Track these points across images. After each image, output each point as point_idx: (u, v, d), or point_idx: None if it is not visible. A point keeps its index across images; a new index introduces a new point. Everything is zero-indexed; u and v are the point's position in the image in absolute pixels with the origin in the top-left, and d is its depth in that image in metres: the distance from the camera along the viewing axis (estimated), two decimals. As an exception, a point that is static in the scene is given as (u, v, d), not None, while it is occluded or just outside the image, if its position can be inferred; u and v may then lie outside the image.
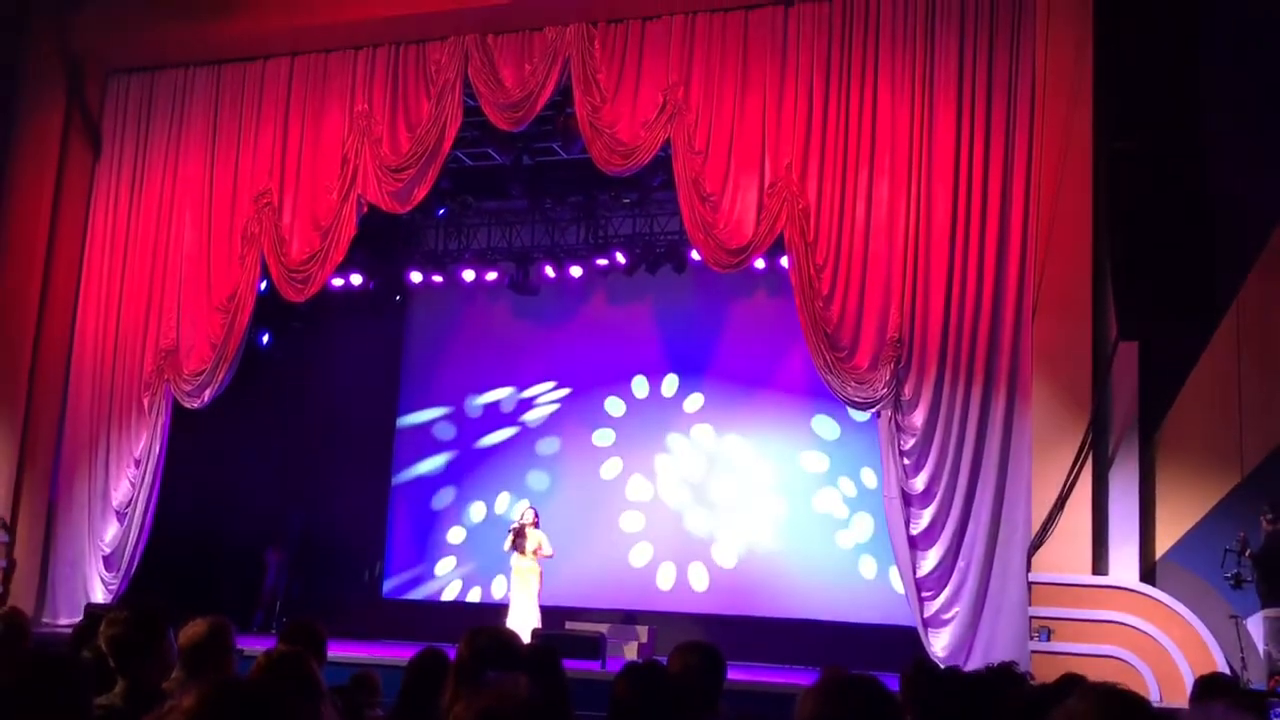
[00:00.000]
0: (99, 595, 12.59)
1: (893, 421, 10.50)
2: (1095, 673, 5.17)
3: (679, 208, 11.52)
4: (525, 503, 13.09)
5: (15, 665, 2.61)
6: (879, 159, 10.74)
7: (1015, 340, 10.30)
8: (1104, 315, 9.98)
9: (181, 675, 3.99)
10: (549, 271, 14.98)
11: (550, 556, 12.35)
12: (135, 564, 12.68)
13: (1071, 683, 4.10)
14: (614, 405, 15.43)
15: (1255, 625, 9.36)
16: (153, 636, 3.88)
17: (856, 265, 10.74)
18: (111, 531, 12.84)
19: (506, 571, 14.13)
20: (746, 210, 11.09)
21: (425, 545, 15.85)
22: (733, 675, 4.43)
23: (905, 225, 10.58)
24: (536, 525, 12.40)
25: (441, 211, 14.73)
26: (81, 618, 9.58)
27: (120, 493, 12.88)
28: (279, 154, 12.64)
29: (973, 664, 9.73)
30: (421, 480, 16.06)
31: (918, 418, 10.45)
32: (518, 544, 12.25)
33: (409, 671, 4.23)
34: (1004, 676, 4.02)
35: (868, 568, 13.98)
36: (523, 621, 12.01)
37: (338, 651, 10.50)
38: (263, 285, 12.79)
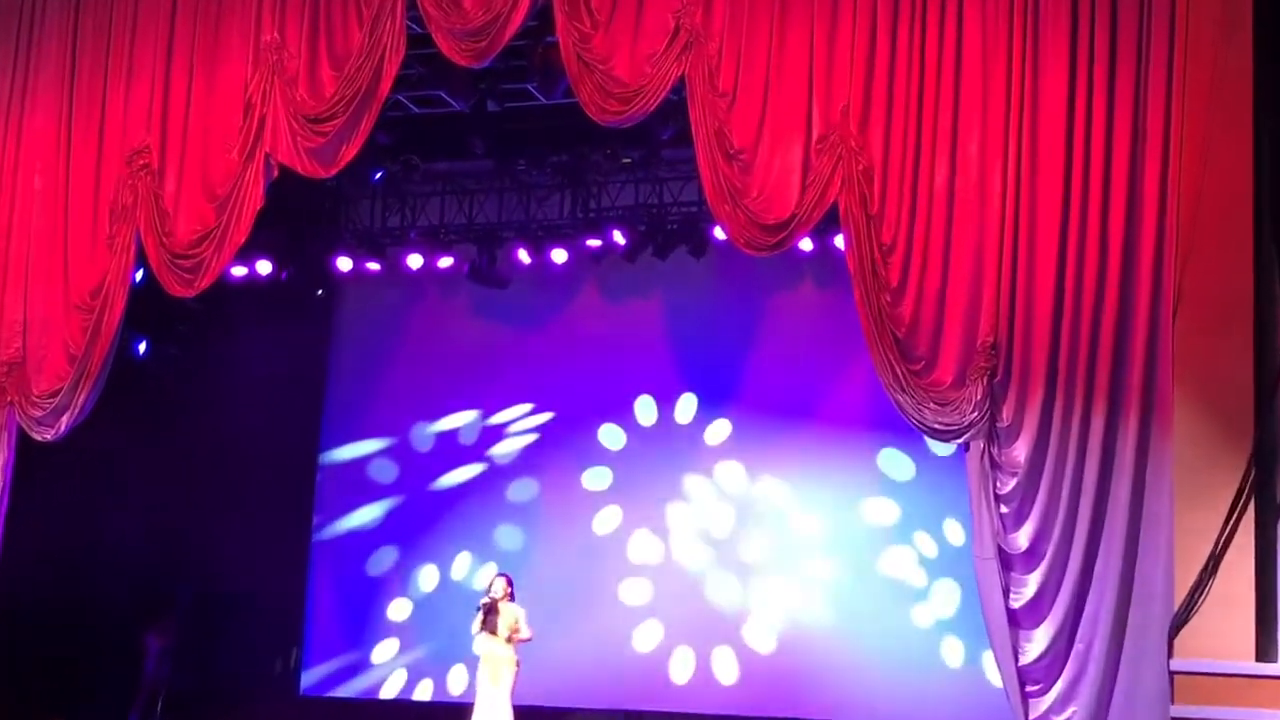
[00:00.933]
0: (-81, 693, 12.59)
1: (986, 456, 10.45)
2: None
3: (697, 170, 11.46)
4: (494, 570, 13.05)
5: None
6: (966, 105, 10.70)
7: (1150, 349, 10.26)
8: (1270, 317, 9.95)
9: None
10: (523, 256, 14.98)
11: (529, 639, 12.28)
12: (-33, 650, 12.66)
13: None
14: (611, 436, 15.41)
15: None
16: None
17: (936, 247, 10.69)
18: (-64, 607, 12.82)
19: (469, 660, 14.12)
20: (788, 172, 11.04)
21: (358, 624, 15.83)
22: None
23: (1001, 194, 10.54)
24: (511, 598, 12.33)
25: (378, 176, 14.73)
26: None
27: (-52, 555, 12.85)
28: (159, 100, 12.61)
29: (1096, 783, 9.70)
30: (353, 536, 16.05)
31: (1020, 451, 10.40)
32: (488, 623, 12.20)
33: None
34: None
35: (953, 653, 13.95)
36: (487, 721, 12.02)
37: (239, 768, 10.53)
38: (139, 275, 12.75)
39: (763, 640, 14.55)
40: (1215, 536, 9.81)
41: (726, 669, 14.61)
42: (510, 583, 12.43)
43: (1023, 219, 10.52)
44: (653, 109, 11.52)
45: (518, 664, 12.21)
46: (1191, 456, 9.98)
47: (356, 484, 16.12)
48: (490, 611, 12.21)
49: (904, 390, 10.65)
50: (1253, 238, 10.06)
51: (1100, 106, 10.46)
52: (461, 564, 15.53)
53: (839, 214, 10.94)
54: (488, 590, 12.41)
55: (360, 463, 16.18)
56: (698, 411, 15.15)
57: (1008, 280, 10.49)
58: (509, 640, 12.21)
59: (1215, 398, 10.03)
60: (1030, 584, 10.35)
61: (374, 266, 15.32)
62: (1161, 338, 10.21)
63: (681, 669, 14.71)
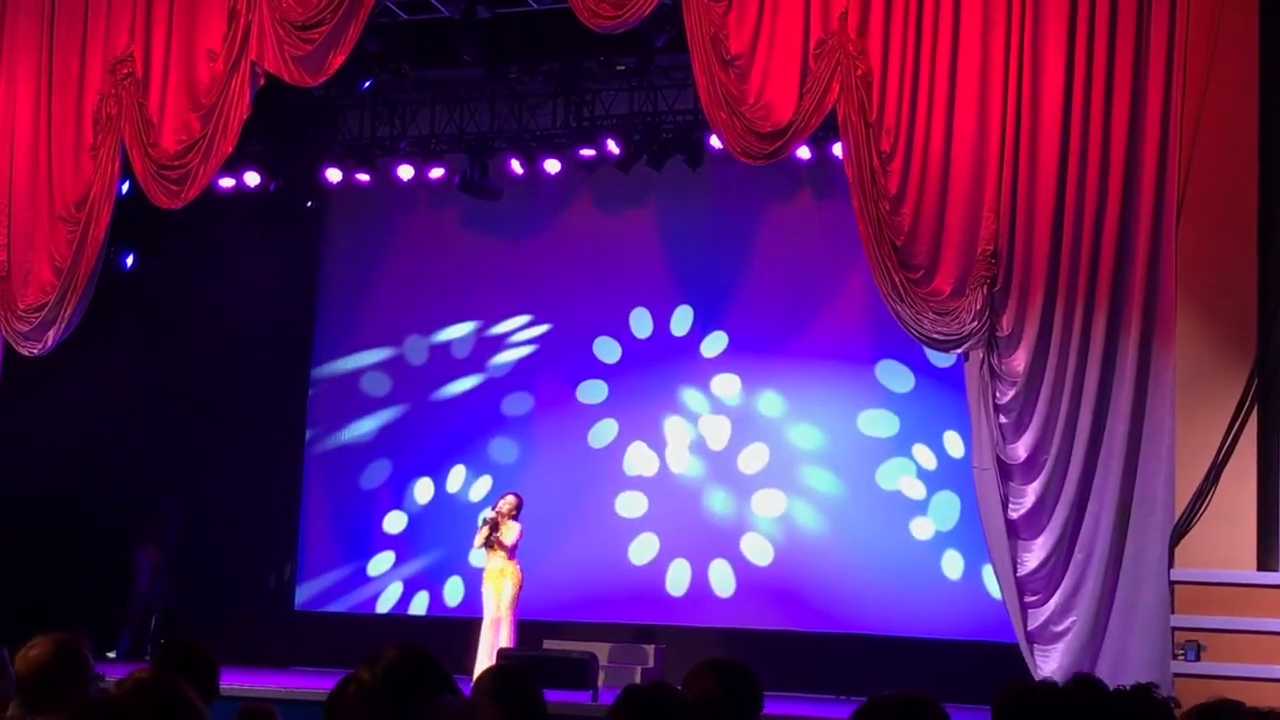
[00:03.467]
0: (-90, 610, 12.66)
1: (986, 366, 10.49)
2: (1258, 699, 5.17)
3: (693, 77, 11.43)
4: (490, 483, 13.12)
5: None
6: (967, 9, 10.64)
7: (1153, 254, 10.27)
8: (1275, 223, 9.93)
9: (20, 710, 4.01)
10: (515, 166, 14.90)
11: (508, 546, 12.53)
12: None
13: (1228, 711, 4.09)
14: (606, 349, 15.41)
15: None
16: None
17: (936, 153, 10.68)
18: (-74, 524, 12.88)
19: (465, 572, 14.23)
20: (786, 78, 11.01)
21: (353, 538, 15.92)
22: (770, 708, 4.43)
23: (1003, 97, 10.50)
24: (516, 516, 12.66)
25: (367, 84, 14.62)
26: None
27: (-64, 471, 12.89)
28: (143, 7, 12.52)
29: (1094, 693, 9.78)
30: (346, 450, 16.09)
31: (1019, 360, 10.43)
32: (490, 539, 12.56)
33: (329, 708, 4.21)
34: (1139, 704, 4.01)
35: (952, 565, 14.04)
36: (489, 640, 12.22)
37: (235, 682, 10.59)
38: (124, 187, 12.72)
39: (760, 553, 14.63)
40: (1217, 446, 9.85)
41: (724, 582, 14.70)
42: (519, 500, 12.75)
43: (1024, 126, 10.48)
44: (647, 14, 11.43)
45: (520, 579, 12.46)
46: (1194, 365, 10.01)
47: (350, 397, 16.14)
48: (494, 528, 12.55)
49: (903, 300, 10.67)
50: (1258, 142, 10.03)
51: (1104, 11, 10.38)
52: (456, 477, 15.58)
53: (837, 121, 10.93)
54: (496, 508, 12.73)
55: (353, 376, 16.19)
56: (694, 324, 15.14)
57: (1008, 188, 10.48)
58: (511, 553, 12.50)
59: (1218, 305, 10.04)
60: (1029, 494, 10.43)
61: (364, 178, 15.23)
62: (1164, 245, 10.21)
63: (678, 582, 14.80)
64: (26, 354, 12.75)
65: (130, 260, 15.12)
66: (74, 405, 14.56)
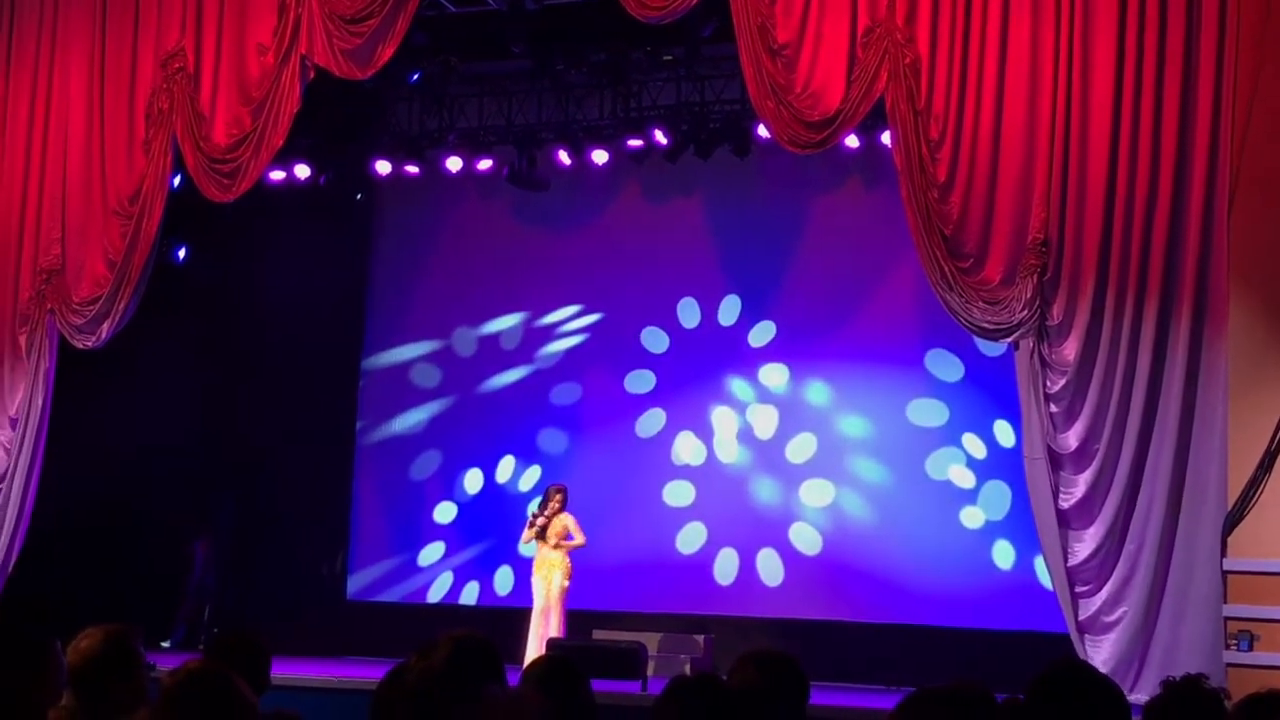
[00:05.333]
0: (-35, 600, 12.78)
1: (1036, 355, 10.44)
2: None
3: (740, 67, 11.41)
4: (538, 474, 13.18)
5: None
6: (1016, -5, 10.60)
7: (1204, 242, 10.19)
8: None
9: (72, 702, 4.02)
10: (563, 158, 14.91)
11: (582, 545, 12.96)
12: (13, 559, 12.83)
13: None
14: (654, 339, 15.40)
15: None
16: (34, 650, 3.90)
17: (985, 141, 10.63)
18: (-18, 515, 12.99)
19: (515, 562, 14.30)
20: (834, 67, 10.98)
21: (403, 528, 15.97)
22: (816, 698, 4.41)
23: (1053, 84, 10.44)
24: (563, 508, 12.94)
25: (416, 77, 14.66)
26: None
27: (-9, 463, 13.01)
28: (193, 2, 12.61)
29: (1145, 682, 9.71)
30: (396, 441, 16.15)
31: (1070, 349, 10.38)
32: (540, 532, 12.91)
33: (378, 701, 4.22)
34: (1186, 697, 3.96)
35: (1002, 555, 13.96)
36: (539, 629, 12.32)
37: (286, 671, 10.65)
38: (176, 180, 12.80)
39: (808, 543, 14.59)
40: (1270, 433, 9.76)
41: (772, 571, 14.67)
42: (564, 492, 13.02)
43: (1074, 112, 10.42)
44: (694, 4, 11.43)
45: (570, 570, 12.67)
46: (1246, 352, 9.93)
47: (400, 389, 16.19)
48: (542, 532, 12.91)
49: (952, 288, 10.63)
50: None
51: (1154, -4, 10.31)
52: (506, 467, 15.61)
53: (885, 109, 10.90)
54: (545, 502, 13.03)
55: (403, 367, 16.24)
56: (741, 313, 15.10)
57: (1059, 176, 10.42)
58: (556, 546, 12.82)
59: (1271, 292, 9.95)
60: (1080, 484, 10.38)
61: (413, 170, 15.27)
62: (1216, 231, 10.13)
63: (726, 571, 14.78)
64: (80, 347, 12.86)
65: (182, 254, 15.20)
66: (128, 398, 14.66)
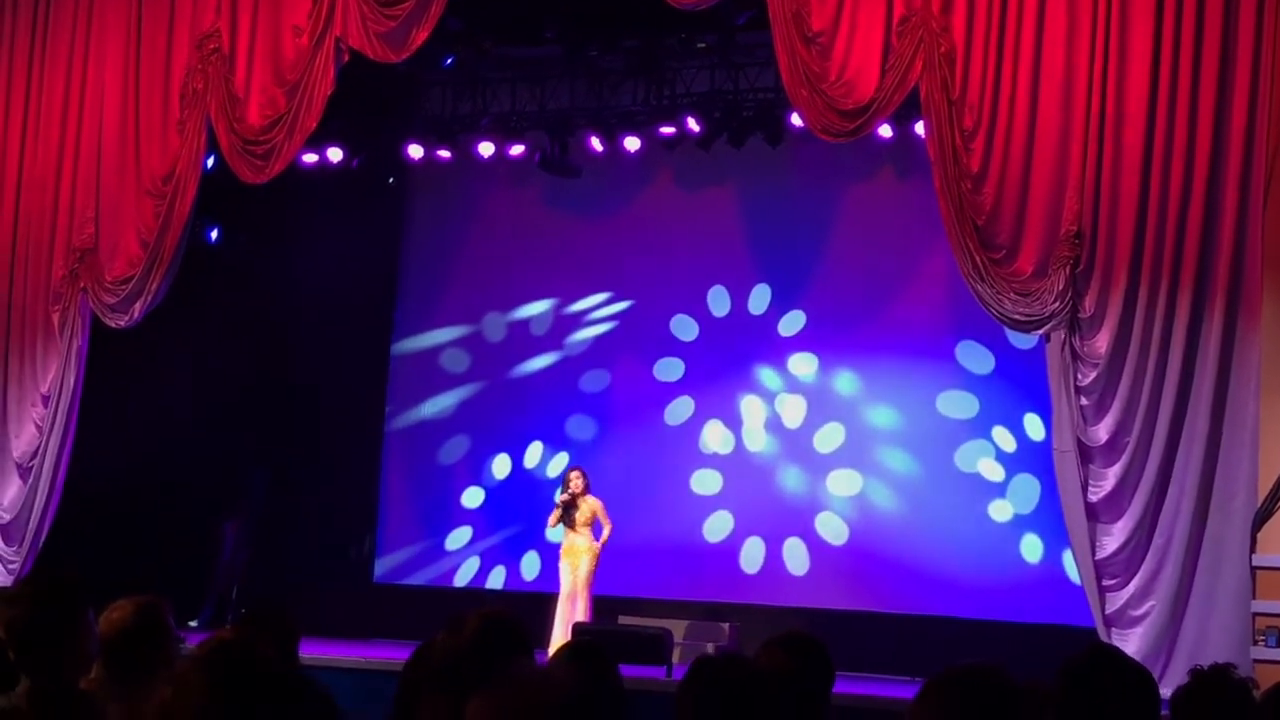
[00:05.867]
0: (-4, 575, 12.87)
1: (1067, 348, 10.40)
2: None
3: (774, 54, 11.38)
4: (566, 460, 13.21)
5: None
6: (1052, -15, 10.56)
7: (1238, 236, 10.14)
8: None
9: (104, 673, 4.05)
10: (595, 144, 14.89)
11: (609, 535, 12.98)
12: (43, 535, 12.91)
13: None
14: (684, 326, 15.39)
15: None
16: (66, 619, 3.93)
17: (1020, 131, 10.59)
18: (11, 492, 13.07)
19: (542, 547, 14.33)
20: (868, 55, 10.95)
21: (431, 512, 16.01)
22: (841, 687, 4.41)
23: (1088, 75, 10.40)
24: (587, 489, 12.94)
25: (449, 62, 14.67)
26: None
27: (23, 441, 13.08)
28: (230, -17, 12.67)
29: (1172, 675, 9.67)
30: (425, 426, 16.18)
31: (1101, 342, 10.34)
32: (566, 518, 12.91)
33: (405, 678, 4.24)
34: (1214, 685, 3.95)
35: (1030, 549, 13.92)
36: (565, 614, 12.34)
37: (314, 652, 10.69)
38: (210, 161, 12.84)
39: (835, 533, 14.57)
40: (1302, 429, 9.72)
41: (798, 560, 14.66)
42: (586, 476, 13.01)
43: (1109, 104, 10.37)
44: (729, -10, 11.41)
45: (598, 554, 12.69)
46: (1278, 347, 9.87)
47: (429, 373, 16.22)
48: (569, 507, 12.85)
49: (984, 280, 10.60)
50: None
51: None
52: (534, 453, 15.63)
53: (919, 99, 10.87)
54: (565, 486, 12.89)
55: (433, 352, 16.26)
56: (771, 302, 15.07)
57: (1093, 167, 10.38)
58: (587, 529, 12.89)
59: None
60: (1110, 477, 10.34)
61: (445, 154, 15.28)
62: (1251, 226, 10.08)
63: (753, 560, 14.77)
64: (113, 326, 12.93)
65: (215, 234, 15.25)
66: (160, 378, 14.71)
